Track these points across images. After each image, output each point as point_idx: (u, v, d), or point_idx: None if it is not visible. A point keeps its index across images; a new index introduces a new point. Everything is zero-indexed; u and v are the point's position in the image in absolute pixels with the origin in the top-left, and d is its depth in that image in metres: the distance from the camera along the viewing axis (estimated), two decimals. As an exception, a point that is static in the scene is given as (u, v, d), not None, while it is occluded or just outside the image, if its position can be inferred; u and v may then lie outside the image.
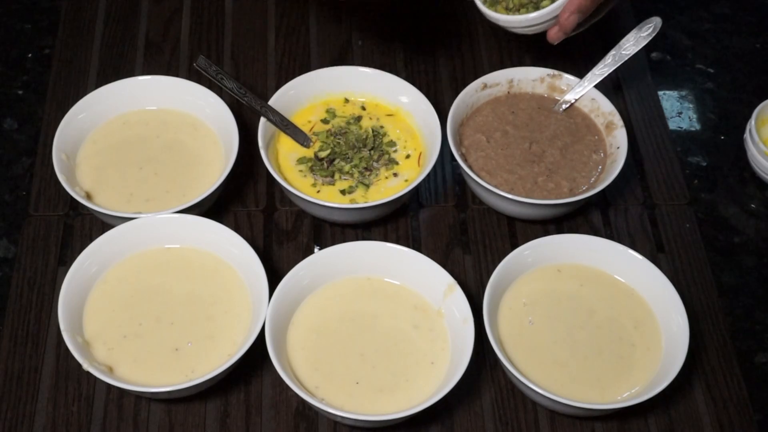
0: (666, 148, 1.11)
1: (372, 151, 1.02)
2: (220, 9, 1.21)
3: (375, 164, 1.01)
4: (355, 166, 1.01)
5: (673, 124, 1.14)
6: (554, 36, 0.98)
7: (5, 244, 1.00)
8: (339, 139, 1.03)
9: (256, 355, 0.87)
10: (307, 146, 1.03)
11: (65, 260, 0.98)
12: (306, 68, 1.14)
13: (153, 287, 0.92)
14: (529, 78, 1.07)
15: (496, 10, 0.99)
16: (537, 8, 0.97)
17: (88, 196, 0.98)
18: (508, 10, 0.99)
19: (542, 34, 0.99)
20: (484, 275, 0.98)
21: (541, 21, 0.97)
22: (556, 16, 0.96)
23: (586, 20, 0.99)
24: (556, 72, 1.07)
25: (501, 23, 0.99)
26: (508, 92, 1.08)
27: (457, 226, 1.03)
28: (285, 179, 0.98)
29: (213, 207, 1.00)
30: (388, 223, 1.03)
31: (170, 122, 1.04)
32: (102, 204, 0.97)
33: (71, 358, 0.86)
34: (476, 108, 1.06)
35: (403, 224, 1.03)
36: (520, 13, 0.98)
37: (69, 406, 0.89)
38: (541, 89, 1.08)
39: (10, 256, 0.99)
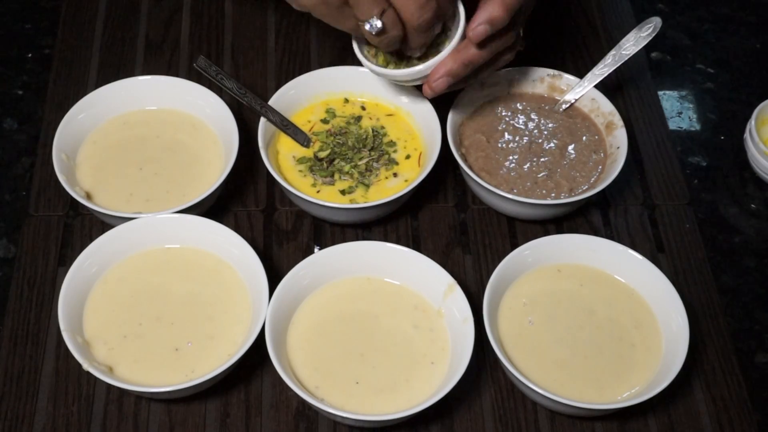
0: (666, 148, 1.11)
1: (372, 151, 1.02)
2: (220, 9, 1.21)
3: (375, 164, 1.01)
4: (355, 166, 1.01)
5: (673, 124, 1.14)
6: (426, 93, 0.96)
7: (5, 244, 1.00)
8: (339, 139, 1.03)
9: (256, 355, 0.87)
10: (307, 146, 1.03)
11: (65, 260, 0.98)
12: (306, 68, 1.14)
13: (153, 287, 0.92)
14: (529, 78, 1.07)
15: (376, 59, 0.98)
16: (422, 58, 0.95)
17: (88, 196, 0.98)
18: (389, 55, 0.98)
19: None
20: (484, 275, 0.98)
21: (411, 78, 0.95)
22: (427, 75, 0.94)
23: (462, 81, 0.96)
24: (556, 72, 1.07)
25: (374, 73, 0.97)
26: (508, 92, 1.08)
27: (457, 226, 1.03)
28: (285, 179, 0.98)
29: (213, 207, 1.00)
30: (388, 223, 1.03)
31: (170, 122, 1.04)
32: (102, 204, 0.97)
33: (71, 358, 0.86)
34: (476, 108, 1.06)
35: (403, 224, 1.03)
36: (398, 66, 0.97)
37: (69, 406, 0.89)
38: (541, 89, 1.08)
39: (10, 256, 0.99)
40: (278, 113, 1.01)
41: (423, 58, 0.95)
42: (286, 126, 1.02)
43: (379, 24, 0.87)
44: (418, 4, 0.86)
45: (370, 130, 1.04)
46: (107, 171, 1.00)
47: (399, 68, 0.96)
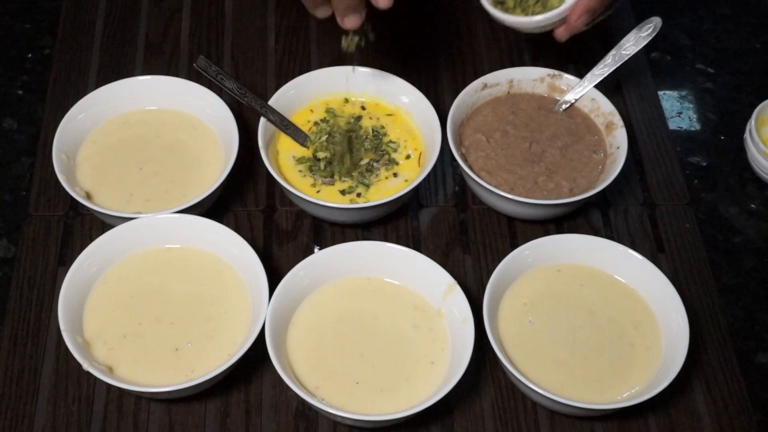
0: (666, 148, 1.11)
1: (372, 152, 1.02)
2: (220, 9, 1.21)
3: (375, 164, 1.01)
4: (356, 166, 1.01)
5: (673, 124, 1.14)
6: (562, 34, 0.98)
7: (5, 244, 1.00)
8: (339, 138, 1.03)
9: (256, 355, 0.87)
10: (307, 146, 1.03)
11: (65, 260, 0.98)
12: (306, 68, 1.14)
13: (153, 287, 0.92)
14: (529, 78, 1.07)
15: (505, 10, 0.99)
16: (545, 7, 0.97)
17: (88, 196, 0.98)
18: (511, 8, 0.99)
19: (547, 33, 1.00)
20: (484, 275, 0.98)
21: (550, 22, 0.97)
22: (564, 17, 0.97)
23: (594, 18, 1.00)
24: (556, 72, 1.07)
25: (510, 24, 0.98)
26: (508, 92, 1.08)
27: (457, 226, 1.03)
28: (285, 179, 0.98)
29: (213, 207, 1.00)
30: (388, 223, 1.03)
31: (170, 122, 1.04)
32: (102, 204, 0.97)
33: (71, 358, 0.86)
34: (476, 108, 1.06)
35: (403, 224, 1.03)
36: (524, 12, 0.98)
37: (69, 406, 0.89)
38: (541, 89, 1.08)
39: (10, 256, 0.99)
40: (278, 113, 1.01)
41: (540, 10, 0.97)
42: (286, 126, 1.02)
43: None
44: None
45: (371, 130, 1.03)
46: (107, 171, 1.00)
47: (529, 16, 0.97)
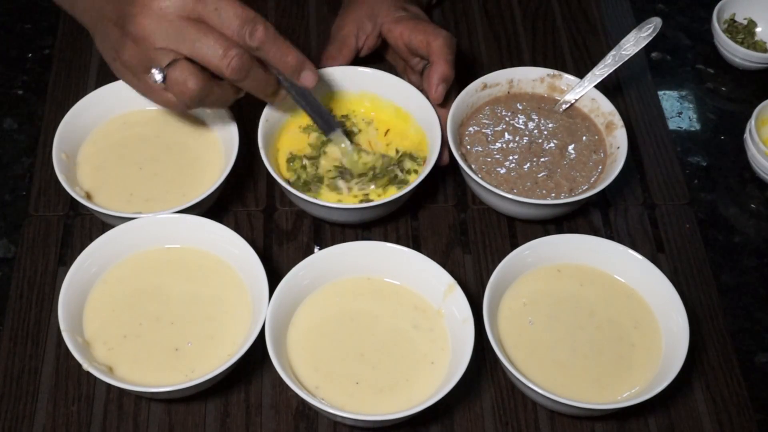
0: (666, 148, 1.11)
1: (380, 179, 1.01)
2: (220, 9, 1.21)
3: (399, 173, 1.00)
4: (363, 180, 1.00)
5: (673, 124, 1.14)
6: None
7: (5, 244, 1.00)
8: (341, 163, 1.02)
9: (256, 355, 0.87)
10: (331, 134, 1.00)
11: (65, 260, 0.98)
12: (305, 68, 1.14)
13: (153, 287, 0.92)
14: (529, 78, 1.07)
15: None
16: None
17: (88, 196, 0.98)
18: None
19: None
20: (484, 275, 0.98)
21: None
22: None
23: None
24: (556, 72, 1.07)
25: None
26: (508, 92, 1.08)
27: (457, 226, 1.03)
28: (285, 179, 0.98)
29: (213, 207, 1.00)
30: (388, 223, 1.03)
31: (170, 122, 1.04)
32: (102, 204, 0.97)
33: (71, 358, 0.86)
34: (476, 108, 1.06)
35: (403, 224, 1.03)
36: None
37: (69, 406, 0.89)
38: (541, 89, 1.08)
39: (10, 256, 0.99)
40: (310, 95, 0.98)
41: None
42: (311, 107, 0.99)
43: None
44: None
45: (380, 159, 1.01)
46: (107, 171, 1.00)
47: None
